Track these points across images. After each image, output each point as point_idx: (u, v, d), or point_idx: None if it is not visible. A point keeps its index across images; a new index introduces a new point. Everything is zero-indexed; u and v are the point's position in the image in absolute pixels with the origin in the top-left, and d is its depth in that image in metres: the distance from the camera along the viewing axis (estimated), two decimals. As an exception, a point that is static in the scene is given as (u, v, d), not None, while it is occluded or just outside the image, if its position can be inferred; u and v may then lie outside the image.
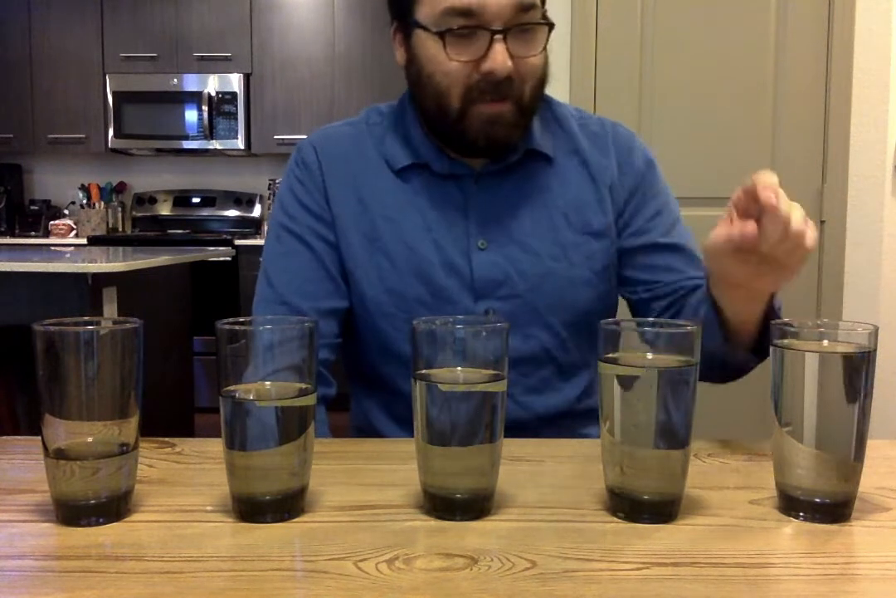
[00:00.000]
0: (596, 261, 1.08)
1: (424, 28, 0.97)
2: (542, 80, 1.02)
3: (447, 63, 0.97)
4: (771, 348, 0.67)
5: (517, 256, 1.05)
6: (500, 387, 0.66)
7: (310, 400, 0.66)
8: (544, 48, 0.99)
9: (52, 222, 4.55)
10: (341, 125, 1.14)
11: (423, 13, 0.97)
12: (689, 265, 1.08)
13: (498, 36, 0.94)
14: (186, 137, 4.41)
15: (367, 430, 1.13)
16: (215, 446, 0.74)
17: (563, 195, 1.08)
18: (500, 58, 0.94)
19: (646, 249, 1.10)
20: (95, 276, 2.28)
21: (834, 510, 0.66)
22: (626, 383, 0.65)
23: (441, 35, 0.96)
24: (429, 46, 0.98)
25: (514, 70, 0.96)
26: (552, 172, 1.08)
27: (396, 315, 1.05)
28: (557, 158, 1.09)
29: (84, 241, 4.27)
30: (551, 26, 0.99)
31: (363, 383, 1.14)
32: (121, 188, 4.75)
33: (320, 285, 1.06)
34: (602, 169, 1.09)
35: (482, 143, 1.01)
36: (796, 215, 0.77)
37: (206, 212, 4.70)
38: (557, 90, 1.17)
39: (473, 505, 0.67)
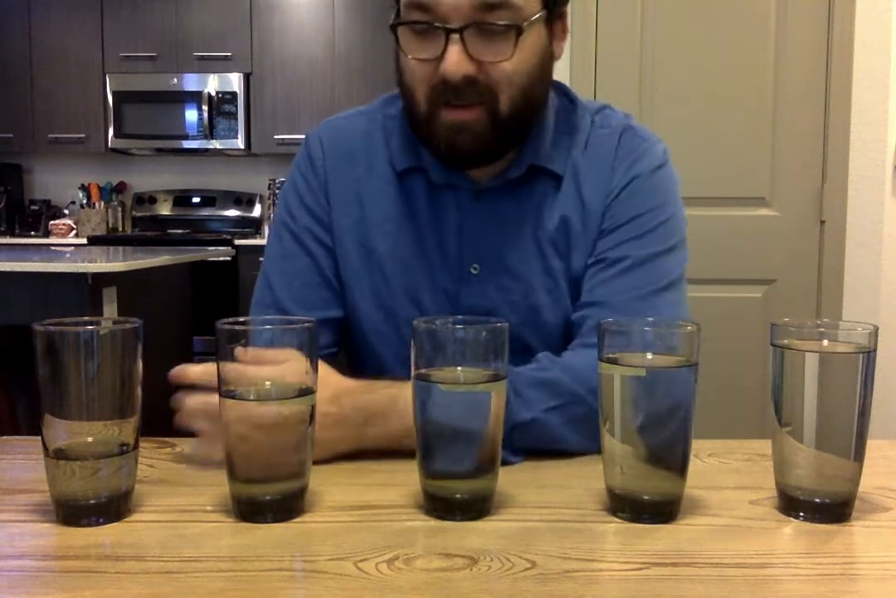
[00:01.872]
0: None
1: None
2: (526, 90, 0.92)
3: (409, 61, 0.91)
4: (771, 348, 0.67)
5: (509, 285, 0.99)
6: (500, 387, 0.66)
7: (310, 400, 0.66)
8: (514, 52, 0.88)
9: (52, 222, 4.55)
10: (354, 115, 1.08)
11: (401, 8, 0.92)
12: (613, 281, 0.96)
13: (454, 35, 0.86)
14: (186, 137, 4.41)
15: None
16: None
17: (552, 219, 1.00)
18: (452, 58, 0.86)
19: (590, 266, 0.99)
20: (95, 276, 2.28)
21: (834, 509, 0.66)
22: (626, 383, 0.65)
23: (394, 29, 0.90)
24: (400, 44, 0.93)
25: (481, 73, 0.88)
26: (556, 192, 1.00)
27: (389, 334, 1.00)
28: (565, 177, 1.00)
29: (84, 241, 4.27)
30: (519, 30, 0.87)
31: None
32: (121, 188, 4.75)
33: (317, 293, 1.02)
34: (594, 190, 1.00)
35: (444, 151, 0.94)
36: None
37: (206, 212, 4.70)
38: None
39: (473, 505, 0.67)
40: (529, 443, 0.82)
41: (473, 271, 1.00)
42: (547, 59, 0.95)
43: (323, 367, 0.77)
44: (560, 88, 1.04)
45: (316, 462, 0.70)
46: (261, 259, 1.08)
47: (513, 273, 1.00)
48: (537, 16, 0.90)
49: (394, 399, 0.80)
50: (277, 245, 1.05)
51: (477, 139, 0.92)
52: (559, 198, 1.00)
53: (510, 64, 0.89)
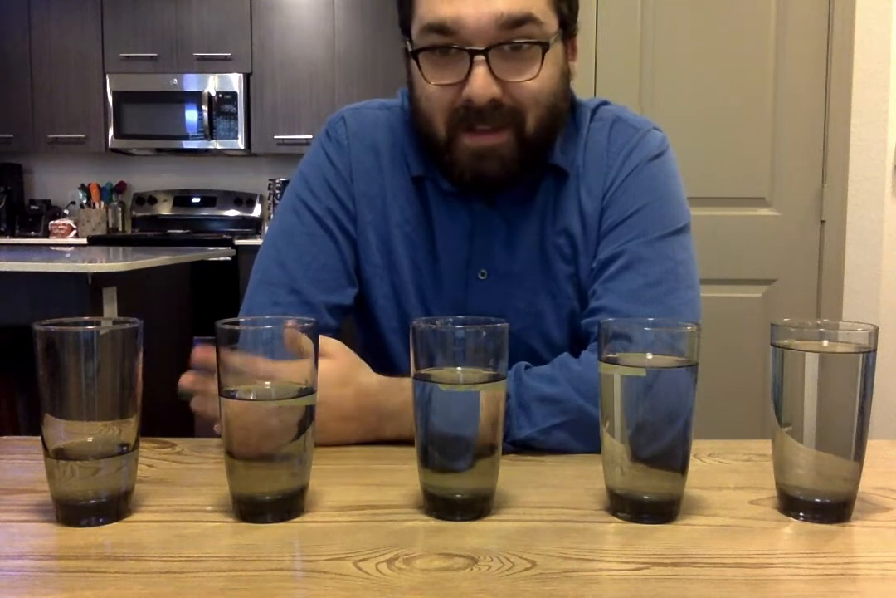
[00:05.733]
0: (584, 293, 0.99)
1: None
2: (552, 109, 0.90)
3: (428, 87, 0.88)
4: (771, 348, 0.67)
5: (514, 292, 0.99)
6: (500, 387, 0.66)
7: (310, 400, 0.66)
8: (540, 70, 0.87)
9: (52, 222, 4.55)
10: (377, 108, 1.04)
11: (413, 33, 0.89)
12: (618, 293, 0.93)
13: (478, 57, 0.83)
14: (186, 137, 4.41)
15: None
16: (215, 446, 0.74)
17: (557, 221, 0.99)
18: (479, 82, 0.84)
19: (594, 270, 0.97)
20: (95, 276, 2.28)
21: (834, 509, 0.66)
22: (626, 383, 0.65)
23: (415, 55, 0.87)
24: (415, 68, 0.90)
25: (507, 96, 0.86)
26: (558, 192, 0.99)
27: (404, 333, 0.99)
28: (570, 177, 0.99)
29: (84, 241, 4.27)
30: (546, 47, 0.86)
31: None
32: (121, 188, 4.75)
33: (335, 277, 0.99)
34: (591, 192, 0.98)
35: (469, 179, 0.91)
36: None
37: (206, 212, 4.70)
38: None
39: (473, 505, 0.67)
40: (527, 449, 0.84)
41: (481, 277, 0.99)
42: (567, 77, 0.94)
43: (348, 357, 0.83)
44: None
45: (322, 445, 0.72)
46: (268, 232, 1.02)
47: (517, 278, 0.99)
48: (557, 33, 0.89)
49: (409, 401, 0.80)
50: (293, 219, 1.00)
51: (503, 164, 0.90)
52: (561, 199, 0.99)
53: (536, 83, 0.87)
